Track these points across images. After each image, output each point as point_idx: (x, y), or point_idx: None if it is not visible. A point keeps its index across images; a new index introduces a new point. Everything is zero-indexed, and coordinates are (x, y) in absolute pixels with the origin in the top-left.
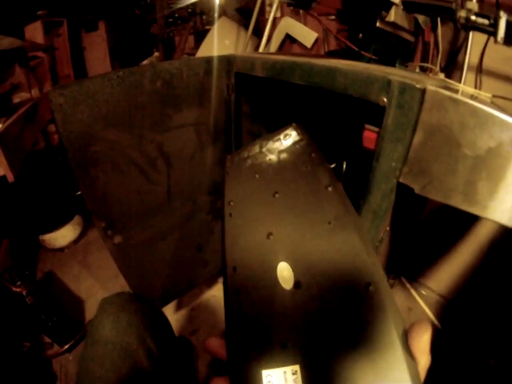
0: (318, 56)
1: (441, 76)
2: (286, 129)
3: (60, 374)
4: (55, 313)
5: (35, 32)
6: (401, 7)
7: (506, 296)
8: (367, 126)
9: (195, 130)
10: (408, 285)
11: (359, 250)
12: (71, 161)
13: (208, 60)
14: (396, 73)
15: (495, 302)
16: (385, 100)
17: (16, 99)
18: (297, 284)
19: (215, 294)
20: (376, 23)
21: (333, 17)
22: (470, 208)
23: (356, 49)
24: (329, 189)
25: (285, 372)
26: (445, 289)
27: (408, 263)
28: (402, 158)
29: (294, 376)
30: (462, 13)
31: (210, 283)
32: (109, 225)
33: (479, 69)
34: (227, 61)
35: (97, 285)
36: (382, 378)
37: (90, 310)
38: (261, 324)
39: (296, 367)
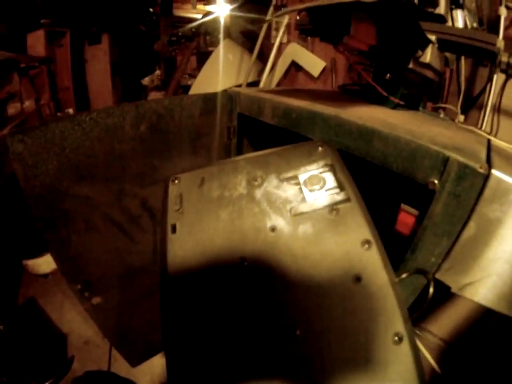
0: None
1: (462, 118)
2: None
3: None
4: (34, 352)
5: (37, 40)
6: (436, 45)
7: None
8: (404, 206)
9: None
10: None
11: None
12: (36, 220)
13: (205, 98)
14: (444, 137)
15: (495, 353)
16: (436, 183)
17: (11, 109)
18: None
19: None
20: (408, 63)
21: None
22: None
23: (385, 94)
24: None
25: None
26: (446, 334)
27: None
28: (444, 253)
29: None
30: (504, 58)
31: None
32: (85, 287)
33: (497, 109)
34: (229, 99)
35: (80, 318)
36: None
37: (71, 346)
38: None
39: None
